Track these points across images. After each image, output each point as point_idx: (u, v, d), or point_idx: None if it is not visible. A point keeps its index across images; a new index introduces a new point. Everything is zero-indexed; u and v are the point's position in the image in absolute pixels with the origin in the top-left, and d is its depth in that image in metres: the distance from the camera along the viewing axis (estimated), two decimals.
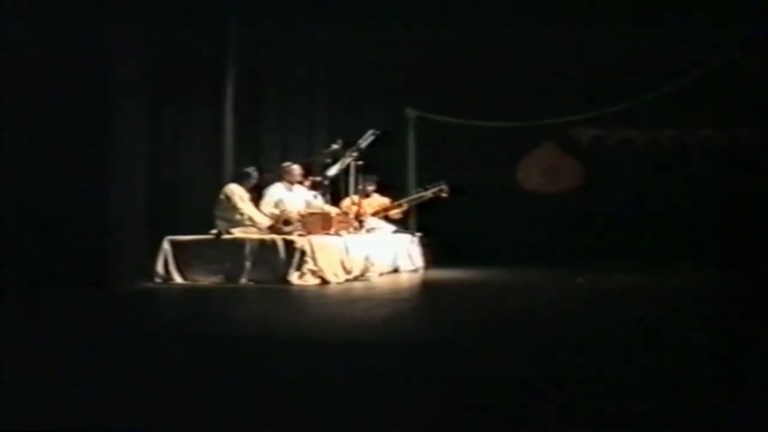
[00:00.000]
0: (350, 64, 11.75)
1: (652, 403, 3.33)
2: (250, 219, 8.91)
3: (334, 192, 9.98)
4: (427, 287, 8.80)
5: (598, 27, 11.24)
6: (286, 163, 9.86)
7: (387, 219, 10.56)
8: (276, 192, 9.58)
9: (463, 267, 10.21)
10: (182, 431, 3.09)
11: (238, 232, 8.73)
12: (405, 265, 10.15)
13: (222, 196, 9.01)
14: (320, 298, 7.35)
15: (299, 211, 9.15)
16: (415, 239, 10.53)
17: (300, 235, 8.60)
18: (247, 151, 10.15)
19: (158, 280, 8.39)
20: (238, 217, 8.89)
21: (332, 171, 9.88)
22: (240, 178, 9.24)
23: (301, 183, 9.79)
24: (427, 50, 11.60)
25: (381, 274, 9.38)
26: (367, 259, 9.18)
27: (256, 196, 9.37)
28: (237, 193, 9.00)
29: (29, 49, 7.47)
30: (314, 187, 9.80)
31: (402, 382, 3.79)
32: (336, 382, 3.77)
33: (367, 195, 10.48)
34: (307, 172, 9.91)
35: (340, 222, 9.29)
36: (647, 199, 11.71)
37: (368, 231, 9.98)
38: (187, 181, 9.32)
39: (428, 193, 10.61)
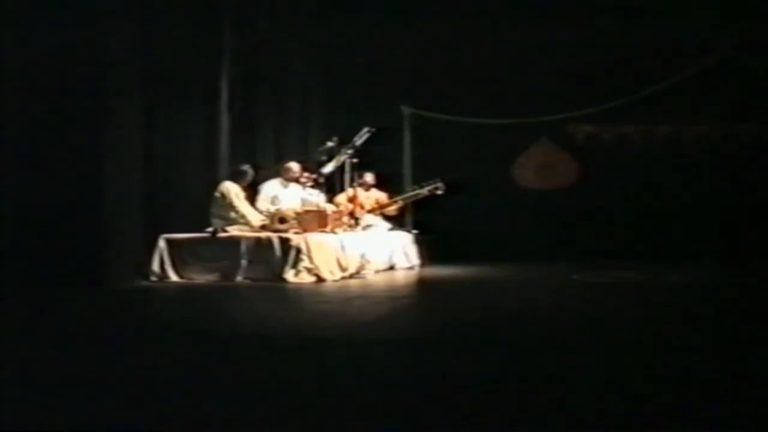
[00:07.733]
0: (346, 62, 11.72)
1: (653, 403, 3.32)
2: (243, 217, 8.89)
3: (330, 189, 9.96)
4: (423, 285, 8.80)
5: (593, 23, 11.22)
6: (287, 163, 9.85)
7: (383, 216, 10.56)
8: (272, 189, 9.58)
9: (459, 264, 10.22)
10: (179, 430, 3.08)
11: (233, 230, 8.72)
12: (401, 262, 10.15)
13: (217, 194, 8.98)
14: (316, 296, 7.35)
15: (295, 209, 9.14)
16: (411, 236, 10.53)
17: (296, 233, 8.60)
18: (242, 149, 10.13)
19: (154, 279, 8.38)
20: (233, 215, 8.87)
21: (327, 168, 9.86)
22: (235, 176, 9.22)
23: (298, 181, 9.77)
24: (423, 48, 11.59)
25: (377, 272, 9.38)
26: (362, 256, 9.18)
27: (252, 194, 9.36)
28: (233, 191, 8.98)
29: (27, 49, 7.45)
30: (314, 185, 9.76)
31: (398, 380, 3.78)
32: (332, 379, 3.77)
33: (367, 188, 10.48)
34: (304, 170, 9.88)
35: (335, 219, 9.28)
36: (643, 195, 11.73)
37: (364, 228, 9.99)
38: (183, 180, 9.30)
39: (424, 191, 10.58)
